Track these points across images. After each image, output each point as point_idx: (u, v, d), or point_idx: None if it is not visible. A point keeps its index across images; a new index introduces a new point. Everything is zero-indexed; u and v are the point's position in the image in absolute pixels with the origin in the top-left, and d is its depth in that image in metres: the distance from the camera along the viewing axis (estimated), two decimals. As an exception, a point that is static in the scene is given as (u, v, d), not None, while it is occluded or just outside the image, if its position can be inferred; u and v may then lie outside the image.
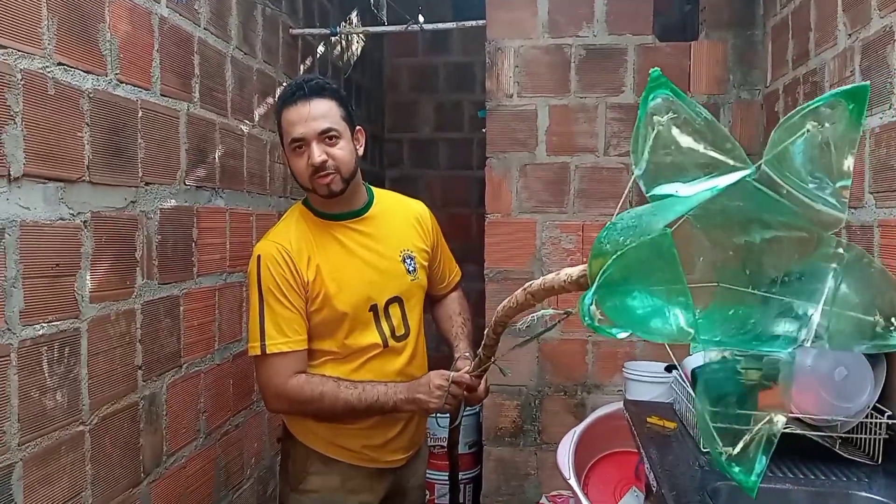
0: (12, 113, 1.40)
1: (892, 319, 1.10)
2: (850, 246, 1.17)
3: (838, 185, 1.12)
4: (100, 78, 1.68)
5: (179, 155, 2.06)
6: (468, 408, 2.25)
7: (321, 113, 1.77)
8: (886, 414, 1.61)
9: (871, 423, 1.62)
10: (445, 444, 3.15)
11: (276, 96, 2.80)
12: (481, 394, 1.89)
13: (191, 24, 2.12)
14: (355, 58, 4.09)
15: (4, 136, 1.38)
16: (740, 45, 2.84)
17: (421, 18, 3.67)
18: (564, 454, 2.38)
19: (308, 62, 3.25)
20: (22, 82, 1.42)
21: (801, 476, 1.57)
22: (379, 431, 1.92)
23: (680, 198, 1.14)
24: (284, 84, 2.91)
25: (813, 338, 1.12)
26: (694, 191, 1.12)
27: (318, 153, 1.75)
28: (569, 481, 2.30)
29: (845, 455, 1.63)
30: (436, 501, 3.42)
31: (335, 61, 3.71)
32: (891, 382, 1.72)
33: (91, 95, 1.64)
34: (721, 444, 1.17)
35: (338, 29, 3.15)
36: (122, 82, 1.76)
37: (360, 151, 1.88)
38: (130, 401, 1.83)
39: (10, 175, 1.39)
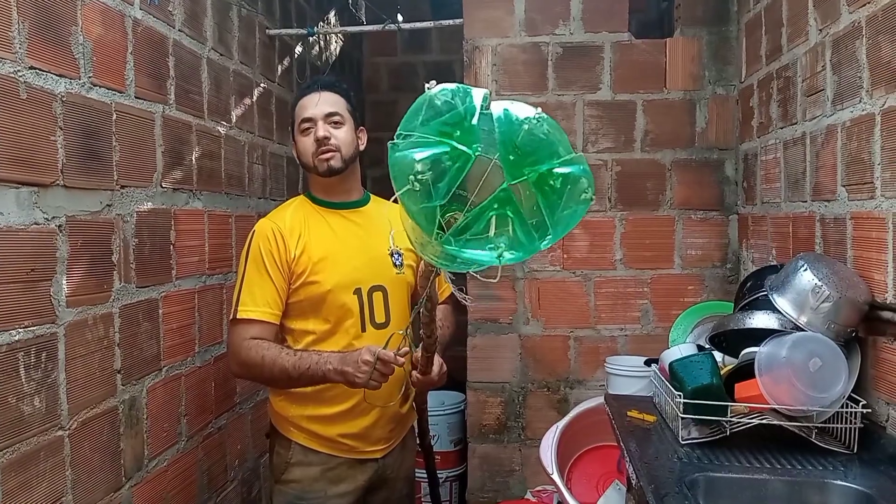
0: (-16, 117, 1.38)
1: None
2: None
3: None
4: (73, 81, 1.66)
5: (155, 157, 2.05)
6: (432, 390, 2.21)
7: (330, 101, 2.00)
8: (861, 403, 1.63)
9: (846, 412, 1.65)
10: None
11: (254, 97, 2.80)
12: (434, 376, 1.88)
13: (165, 25, 2.11)
14: (334, 57, 4.08)
15: (-24, 141, 1.36)
16: (715, 42, 2.87)
17: (399, 18, 3.68)
18: (547, 450, 2.39)
19: (286, 63, 3.24)
20: (-7, 86, 1.40)
21: (779, 466, 1.59)
22: (355, 420, 1.96)
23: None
24: (262, 85, 2.91)
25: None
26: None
27: (322, 129, 1.96)
28: (552, 476, 2.32)
29: (821, 445, 1.65)
30: (422, 500, 3.42)
31: (313, 61, 3.70)
32: (865, 372, 1.75)
33: (64, 99, 1.63)
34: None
35: (315, 29, 3.15)
36: (95, 85, 1.75)
37: (362, 147, 2.09)
38: (110, 405, 1.82)
39: (-18, 180, 1.38)
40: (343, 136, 1.98)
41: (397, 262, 2.04)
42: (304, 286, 1.94)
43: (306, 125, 1.98)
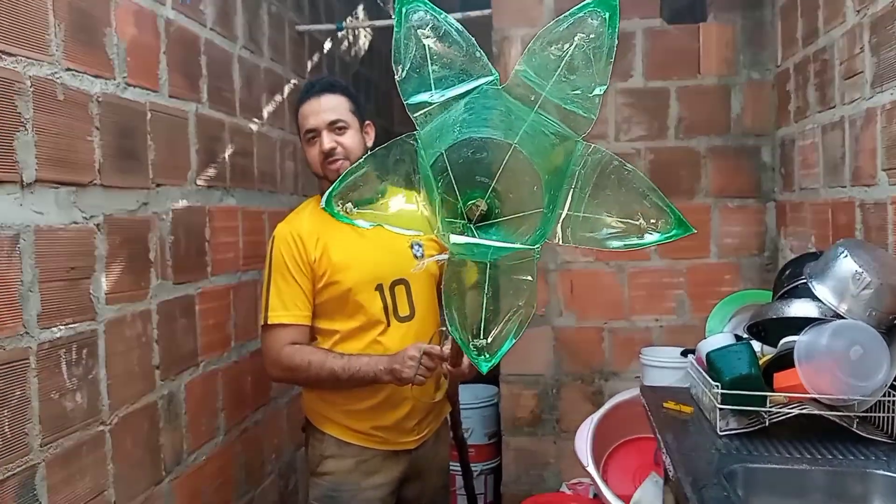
0: (23, 119, 1.41)
1: (652, 220, 1.22)
2: (596, 149, 1.33)
3: (594, 92, 1.30)
4: (108, 82, 1.69)
5: (189, 155, 2.08)
6: (462, 383, 2.24)
7: (331, 106, 1.96)
8: (904, 392, 1.60)
9: (888, 401, 1.61)
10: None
11: (285, 94, 2.82)
12: (464, 368, 1.87)
13: (197, 24, 2.13)
14: (363, 52, 4.10)
15: (16, 143, 1.39)
16: (749, 26, 2.82)
17: (427, 10, 3.67)
18: (582, 442, 2.38)
19: (315, 58, 3.26)
20: (31, 89, 1.43)
21: (819, 456, 1.56)
22: (387, 413, 1.98)
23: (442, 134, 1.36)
24: (293, 81, 2.92)
25: (560, 237, 1.32)
26: (444, 97, 1.33)
27: (327, 141, 1.94)
28: (587, 468, 2.31)
29: (863, 434, 1.62)
30: (456, 493, 3.43)
31: (342, 56, 3.72)
32: (908, 360, 1.70)
33: (100, 99, 1.65)
34: (472, 337, 1.35)
35: (343, 24, 3.16)
36: (129, 85, 1.78)
37: (370, 143, 2.03)
38: (149, 400, 1.85)
39: (22, 181, 1.41)
40: (349, 142, 1.96)
41: (418, 254, 2.04)
42: (326, 287, 1.96)
43: (311, 135, 1.97)
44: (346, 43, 3.78)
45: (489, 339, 1.36)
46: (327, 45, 3.43)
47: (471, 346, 1.36)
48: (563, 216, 1.33)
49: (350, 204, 1.35)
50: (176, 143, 2.01)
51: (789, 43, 2.58)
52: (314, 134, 1.96)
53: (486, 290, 1.37)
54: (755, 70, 2.82)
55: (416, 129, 1.36)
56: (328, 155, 1.94)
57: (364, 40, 4.12)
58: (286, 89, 2.87)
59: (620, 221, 1.33)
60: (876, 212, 1.88)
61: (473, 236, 1.40)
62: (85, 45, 1.61)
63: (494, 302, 1.39)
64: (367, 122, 2.06)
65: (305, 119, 1.98)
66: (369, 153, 1.42)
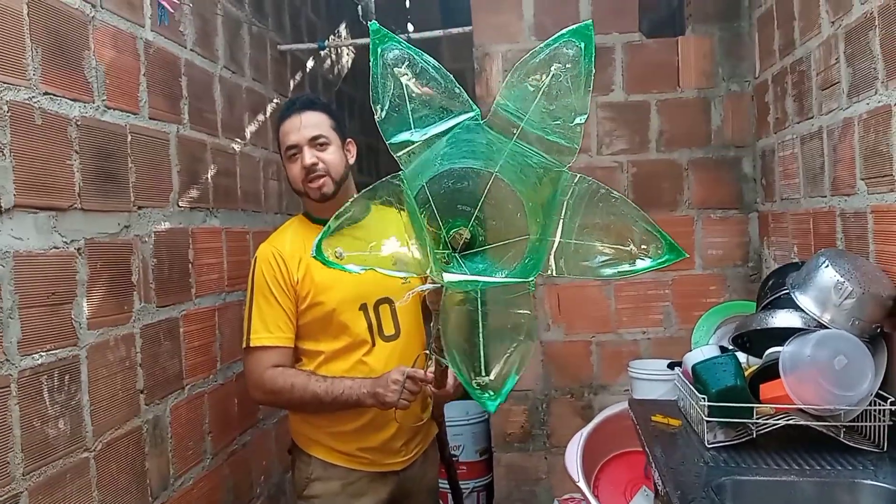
0: (0, 144, 1.40)
1: (644, 246, 1.24)
2: (583, 178, 1.34)
3: (575, 122, 1.32)
4: (87, 105, 1.68)
5: (171, 177, 2.07)
6: (448, 402, 2.24)
7: (312, 122, 1.95)
8: (889, 400, 1.60)
9: (874, 410, 1.61)
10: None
11: (267, 113, 2.82)
12: (450, 389, 1.86)
13: (177, 46, 2.13)
14: (346, 70, 4.10)
15: (-7, 169, 1.38)
16: (727, 38, 2.84)
17: (410, 27, 3.69)
18: (572, 456, 2.37)
19: (297, 77, 3.26)
20: (8, 114, 1.42)
21: (807, 467, 1.56)
22: (372, 434, 1.97)
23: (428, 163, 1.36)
24: (275, 100, 2.92)
25: (554, 268, 1.33)
26: (425, 136, 1.34)
27: (308, 156, 1.93)
28: (578, 484, 2.30)
29: (850, 444, 1.62)
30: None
31: (325, 75, 3.72)
32: (892, 369, 1.71)
33: (79, 123, 1.64)
34: (474, 375, 1.33)
35: (326, 43, 3.16)
36: (109, 108, 1.77)
37: (351, 160, 2.02)
38: (134, 425, 1.83)
39: (0, 206, 1.40)
40: (331, 158, 1.94)
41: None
42: (309, 308, 1.94)
43: (292, 152, 1.95)
44: (328, 61, 3.79)
45: (492, 377, 1.34)
46: (310, 64, 3.44)
47: (474, 384, 1.33)
48: (554, 247, 1.33)
49: (340, 248, 1.33)
50: (157, 164, 2.00)
51: (767, 54, 2.61)
52: (295, 150, 1.94)
53: (480, 327, 1.36)
54: (734, 82, 2.85)
55: (399, 166, 1.36)
56: (309, 171, 1.92)
57: (347, 58, 4.13)
58: (268, 109, 2.87)
59: (611, 248, 1.33)
60: (856, 221, 1.90)
61: (459, 265, 1.40)
62: (63, 68, 1.60)
63: (494, 338, 1.37)
64: (349, 139, 2.05)
65: (286, 135, 1.96)
66: (356, 196, 1.40)
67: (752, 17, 2.77)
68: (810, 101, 2.20)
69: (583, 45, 1.30)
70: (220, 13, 2.45)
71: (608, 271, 1.34)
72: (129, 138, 1.86)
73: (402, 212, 1.37)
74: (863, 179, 1.86)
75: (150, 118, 1.96)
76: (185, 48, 2.19)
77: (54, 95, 1.57)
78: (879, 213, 1.77)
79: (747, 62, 2.82)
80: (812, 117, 2.19)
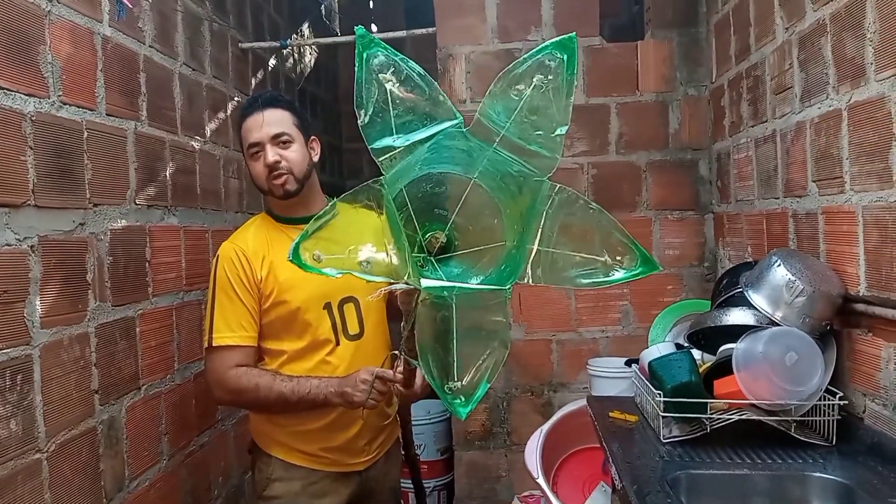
0: (-50, 139, 1.37)
1: (618, 258, 1.27)
2: (562, 189, 1.37)
3: (556, 132, 1.34)
4: (42, 100, 1.65)
5: (129, 174, 2.04)
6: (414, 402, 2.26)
7: (274, 120, 1.93)
8: (838, 396, 1.65)
9: (824, 405, 1.66)
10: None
11: (228, 111, 2.79)
12: (417, 389, 1.86)
13: (135, 42, 2.10)
14: (308, 69, 4.08)
15: (-57, 163, 1.35)
16: (685, 43, 2.90)
17: (374, 28, 3.69)
18: (532, 454, 2.39)
19: (259, 75, 3.24)
20: (-41, 108, 1.39)
21: (759, 461, 1.60)
22: (336, 433, 1.95)
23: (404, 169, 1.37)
24: (236, 98, 2.90)
25: (531, 277, 1.34)
26: (408, 142, 1.34)
27: (271, 154, 1.90)
28: (537, 480, 2.32)
29: (801, 438, 1.67)
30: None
31: (287, 73, 3.70)
32: (841, 365, 1.77)
33: (33, 118, 1.61)
34: (446, 379, 1.34)
35: (288, 41, 3.15)
36: (65, 104, 1.74)
37: (315, 158, 2.01)
38: (88, 426, 1.80)
39: (-50, 202, 1.37)
40: (294, 156, 1.92)
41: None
42: (273, 307, 1.92)
43: (254, 150, 1.92)
44: (291, 60, 3.77)
45: (463, 382, 1.35)
46: (272, 63, 3.41)
47: (445, 390, 1.34)
48: (532, 255, 1.35)
49: (318, 252, 1.32)
50: (114, 161, 1.97)
51: (723, 59, 2.67)
52: (258, 148, 1.92)
53: (454, 332, 1.36)
54: (691, 86, 2.90)
55: (379, 168, 1.36)
56: (272, 169, 1.90)
57: (310, 57, 4.11)
58: (229, 106, 2.84)
59: (586, 258, 1.35)
60: (807, 222, 1.95)
61: (434, 268, 1.40)
62: (17, 63, 1.57)
63: (468, 344, 1.38)
64: (313, 137, 2.02)
65: (249, 133, 1.93)
66: (336, 199, 1.39)
67: (709, 24, 2.83)
68: (764, 106, 2.25)
69: (565, 56, 1.31)
70: (180, 9, 2.42)
71: (583, 281, 1.36)
72: (86, 134, 1.83)
73: (381, 216, 1.37)
74: (814, 181, 1.91)
75: (107, 114, 1.93)
76: (144, 44, 2.16)
77: (8, 90, 1.53)
78: (830, 214, 1.83)
79: (704, 67, 2.88)
80: (766, 121, 2.24)
